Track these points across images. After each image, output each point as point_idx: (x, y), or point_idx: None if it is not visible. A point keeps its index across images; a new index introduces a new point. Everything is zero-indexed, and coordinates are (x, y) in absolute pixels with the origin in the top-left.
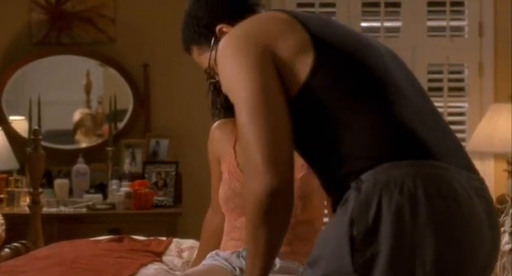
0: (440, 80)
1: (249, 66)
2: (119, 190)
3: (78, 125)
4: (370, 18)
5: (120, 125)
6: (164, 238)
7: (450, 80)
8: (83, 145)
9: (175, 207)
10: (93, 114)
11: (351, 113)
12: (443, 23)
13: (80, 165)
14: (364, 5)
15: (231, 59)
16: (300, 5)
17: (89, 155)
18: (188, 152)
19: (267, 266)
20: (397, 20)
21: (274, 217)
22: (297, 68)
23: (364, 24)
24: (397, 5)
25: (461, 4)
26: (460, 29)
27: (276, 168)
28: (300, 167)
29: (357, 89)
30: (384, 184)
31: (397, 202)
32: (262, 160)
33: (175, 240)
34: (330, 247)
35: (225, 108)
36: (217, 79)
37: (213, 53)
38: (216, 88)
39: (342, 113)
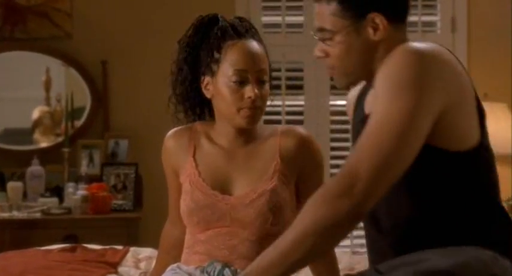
0: None
1: (421, 100)
2: (75, 193)
3: (37, 123)
4: None
5: (78, 125)
6: (120, 247)
7: None
8: (42, 144)
9: (135, 212)
10: (52, 112)
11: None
12: (414, 18)
13: (35, 167)
14: None
15: (409, 78)
16: None
17: (45, 156)
18: (149, 153)
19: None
20: None
21: (336, 238)
22: (471, 125)
23: None
24: None
25: None
26: (432, 24)
27: (379, 188)
28: (270, 176)
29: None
30: None
31: None
32: (370, 173)
33: (132, 249)
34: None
35: (202, 109)
36: (326, 45)
37: (349, 30)
38: (192, 87)
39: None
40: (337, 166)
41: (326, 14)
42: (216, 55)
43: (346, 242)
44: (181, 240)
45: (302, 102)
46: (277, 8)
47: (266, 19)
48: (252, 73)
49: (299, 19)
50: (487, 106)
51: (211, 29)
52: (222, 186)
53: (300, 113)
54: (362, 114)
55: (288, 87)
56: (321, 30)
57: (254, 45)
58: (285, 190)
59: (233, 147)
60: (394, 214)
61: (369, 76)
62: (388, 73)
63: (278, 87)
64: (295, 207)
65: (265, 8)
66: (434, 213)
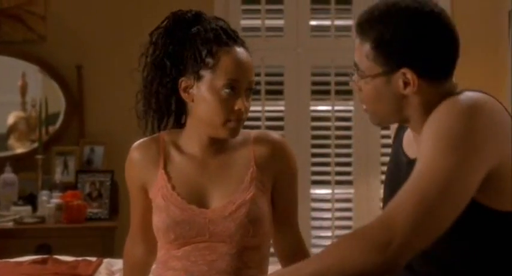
0: None
1: (470, 160)
2: (49, 202)
3: (12, 128)
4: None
5: (52, 131)
6: (94, 258)
7: None
8: (18, 150)
9: (110, 220)
10: (27, 117)
11: None
12: None
13: (7, 175)
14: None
15: (459, 135)
16: None
17: (18, 163)
18: (125, 160)
19: None
20: (348, 18)
21: None
22: None
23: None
24: (348, 1)
25: None
26: None
27: (416, 245)
28: (248, 186)
29: None
30: None
31: None
32: (408, 228)
33: (105, 261)
34: None
35: (177, 115)
36: (355, 81)
37: (379, 78)
38: (168, 87)
39: None
40: (318, 173)
41: (361, 53)
42: (208, 60)
43: None
44: (143, 261)
45: (282, 108)
46: (257, 11)
47: (245, 22)
48: (243, 83)
49: (279, 23)
50: None
51: (195, 27)
52: (198, 199)
53: (280, 119)
54: (400, 155)
55: (268, 92)
56: (356, 66)
57: (245, 53)
58: (263, 199)
59: (206, 156)
60: (431, 265)
61: (402, 121)
62: (437, 128)
63: (257, 92)
64: (271, 218)
65: (245, 11)
66: (472, 272)
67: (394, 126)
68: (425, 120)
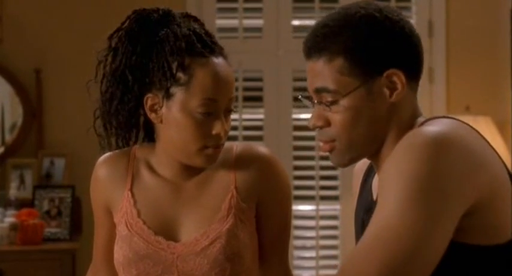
0: None
1: (443, 206)
2: (2, 221)
3: None
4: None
5: (8, 142)
6: None
7: None
8: None
9: (71, 241)
10: None
11: None
12: None
13: None
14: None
15: (426, 178)
16: None
17: None
18: (88, 174)
19: None
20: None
21: None
22: (505, 218)
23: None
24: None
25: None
26: None
27: None
28: (225, 215)
29: None
30: None
31: None
32: None
33: None
34: None
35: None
36: (327, 111)
37: (359, 91)
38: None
39: None
40: (301, 187)
41: (328, 72)
42: (180, 75)
43: None
44: None
45: (261, 116)
46: (234, 9)
47: (221, 22)
48: (222, 103)
49: (258, 22)
50: (469, 120)
51: (163, 30)
52: (167, 230)
53: (259, 128)
54: (370, 199)
55: (246, 98)
56: (321, 91)
57: (224, 65)
58: (244, 230)
59: (180, 180)
60: None
61: (376, 152)
62: (400, 169)
63: (235, 99)
64: (257, 251)
65: (220, 10)
66: None
67: (358, 176)
68: (396, 142)
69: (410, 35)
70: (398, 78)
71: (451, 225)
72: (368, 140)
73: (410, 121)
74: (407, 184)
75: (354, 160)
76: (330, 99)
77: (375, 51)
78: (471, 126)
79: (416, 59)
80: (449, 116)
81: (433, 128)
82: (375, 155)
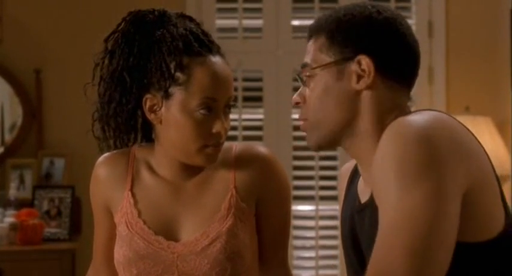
0: None
1: (444, 181)
2: (2, 221)
3: None
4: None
5: (8, 142)
6: None
7: None
8: None
9: (71, 241)
10: None
11: None
12: None
13: None
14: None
15: (420, 160)
16: None
17: None
18: (88, 174)
19: None
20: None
21: None
22: (495, 209)
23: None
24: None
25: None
26: None
27: None
28: (225, 214)
29: None
30: None
31: None
32: None
33: None
34: None
35: (144, 131)
36: (305, 88)
37: (330, 69)
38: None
39: None
40: (300, 187)
41: (312, 50)
42: (178, 74)
43: None
44: None
45: (261, 116)
46: (233, 10)
47: (220, 22)
48: (222, 101)
49: (257, 23)
50: (469, 120)
51: (159, 30)
52: (167, 230)
53: (259, 128)
54: (357, 203)
55: (246, 98)
56: (303, 66)
57: (222, 64)
58: (243, 229)
59: (179, 180)
60: None
61: (346, 141)
62: (394, 160)
63: (234, 99)
64: (257, 251)
65: (220, 10)
66: None
67: (343, 179)
68: (374, 137)
69: (400, 33)
70: (367, 64)
71: (456, 201)
72: (334, 122)
73: (389, 117)
74: (407, 172)
75: (321, 141)
76: (306, 73)
77: (352, 34)
78: (458, 121)
79: (401, 56)
80: (435, 109)
81: (417, 117)
82: (351, 147)
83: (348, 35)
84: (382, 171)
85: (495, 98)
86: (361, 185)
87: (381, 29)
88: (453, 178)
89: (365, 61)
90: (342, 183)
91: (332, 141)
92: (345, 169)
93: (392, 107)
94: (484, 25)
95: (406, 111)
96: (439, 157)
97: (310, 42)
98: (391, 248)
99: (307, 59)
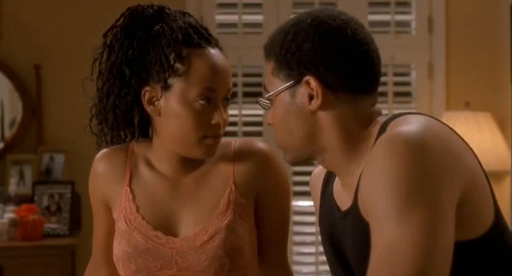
0: (384, 83)
1: (440, 201)
2: (2, 216)
3: None
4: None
5: (8, 137)
6: None
7: (395, 84)
8: None
9: (71, 237)
10: None
11: None
12: (386, 17)
13: None
14: None
15: (415, 179)
16: None
17: None
18: (87, 170)
19: None
20: None
21: None
22: (485, 209)
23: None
24: None
25: None
26: (406, 24)
27: None
28: (223, 210)
29: None
30: None
31: None
32: None
33: None
34: None
35: (141, 127)
36: (267, 108)
37: (284, 93)
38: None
39: None
40: (300, 183)
41: (268, 73)
42: (178, 65)
43: None
44: None
45: (261, 112)
46: (233, 5)
47: (220, 18)
48: (221, 92)
49: (258, 18)
50: (469, 116)
51: (158, 24)
52: (166, 225)
53: (259, 124)
54: (335, 210)
55: (245, 94)
56: (265, 90)
57: (221, 55)
58: (242, 225)
59: (178, 175)
60: None
61: (318, 153)
62: (387, 178)
63: (234, 94)
64: (256, 246)
65: (220, 6)
66: None
67: (316, 186)
68: (346, 150)
69: (347, 42)
70: (315, 85)
71: (450, 213)
72: (298, 141)
73: (357, 127)
74: (401, 189)
75: (294, 159)
76: (266, 97)
77: (295, 56)
78: (440, 121)
79: (352, 66)
80: (413, 111)
81: (408, 128)
82: (325, 161)
83: (291, 58)
84: (376, 190)
85: (495, 93)
86: (337, 188)
87: (323, 45)
88: (448, 192)
89: (312, 82)
90: (316, 189)
91: (305, 158)
92: (317, 174)
93: (357, 117)
94: (484, 20)
95: (377, 119)
96: (435, 173)
97: (266, 64)
98: (392, 267)
99: (265, 82)
